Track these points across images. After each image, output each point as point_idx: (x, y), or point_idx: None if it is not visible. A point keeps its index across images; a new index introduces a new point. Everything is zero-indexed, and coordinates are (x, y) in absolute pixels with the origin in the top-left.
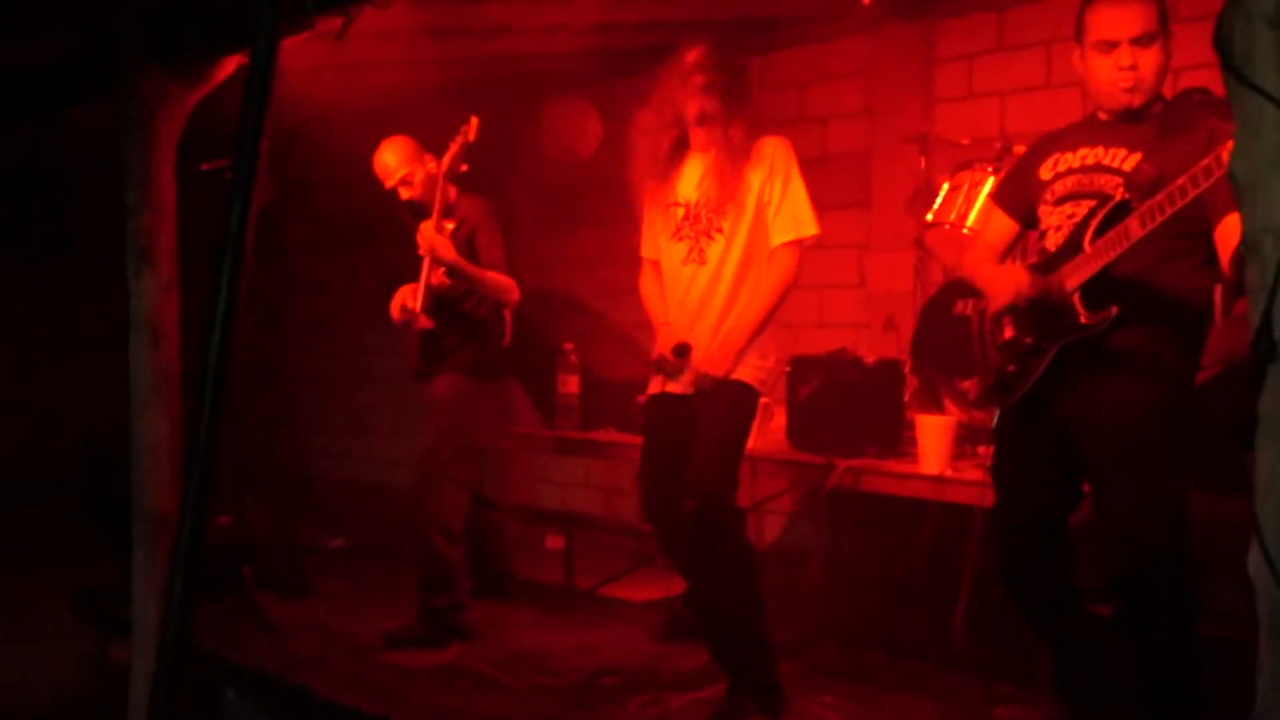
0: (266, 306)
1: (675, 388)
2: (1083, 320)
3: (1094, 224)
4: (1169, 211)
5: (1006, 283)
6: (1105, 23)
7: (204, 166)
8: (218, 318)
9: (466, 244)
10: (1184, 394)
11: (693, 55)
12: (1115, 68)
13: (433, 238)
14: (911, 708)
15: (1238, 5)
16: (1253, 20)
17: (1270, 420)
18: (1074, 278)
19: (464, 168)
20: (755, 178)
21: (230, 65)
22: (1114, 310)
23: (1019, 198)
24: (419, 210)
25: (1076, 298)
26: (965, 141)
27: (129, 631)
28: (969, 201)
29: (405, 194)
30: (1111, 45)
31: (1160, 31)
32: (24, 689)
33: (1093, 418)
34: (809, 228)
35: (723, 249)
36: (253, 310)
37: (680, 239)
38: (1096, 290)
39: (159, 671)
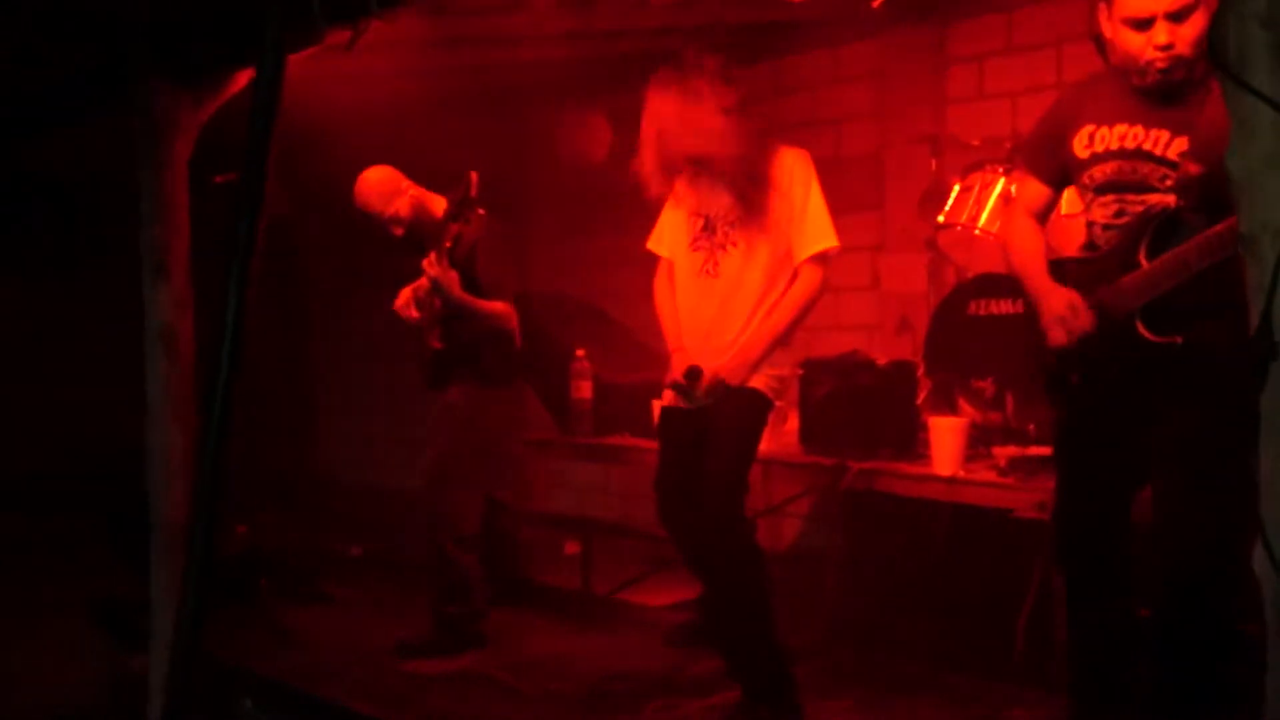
0: (282, 315)
1: (686, 404)
2: (1147, 342)
3: (1148, 237)
4: (1230, 248)
5: (1057, 313)
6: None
7: (217, 179)
8: (226, 328)
9: (465, 261)
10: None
11: (705, 84)
12: (1150, 45)
13: (439, 275)
14: (928, 711)
15: (1232, 7)
16: (1246, 22)
17: (1272, 419)
18: (1135, 299)
19: (469, 219)
20: (776, 193)
21: (242, 79)
22: (1179, 339)
23: (1052, 164)
24: (415, 243)
25: (1139, 320)
26: (976, 142)
27: (147, 642)
28: (980, 203)
29: (398, 232)
30: (1145, 22)
31: (1199, 1)
32: (44, 699)
33: (1155, 422)
34: (828, 240)
35: (739, 263)
36: (269, 320)
37: (697, 250)
38: (1158, 306)
39: (170, 681)
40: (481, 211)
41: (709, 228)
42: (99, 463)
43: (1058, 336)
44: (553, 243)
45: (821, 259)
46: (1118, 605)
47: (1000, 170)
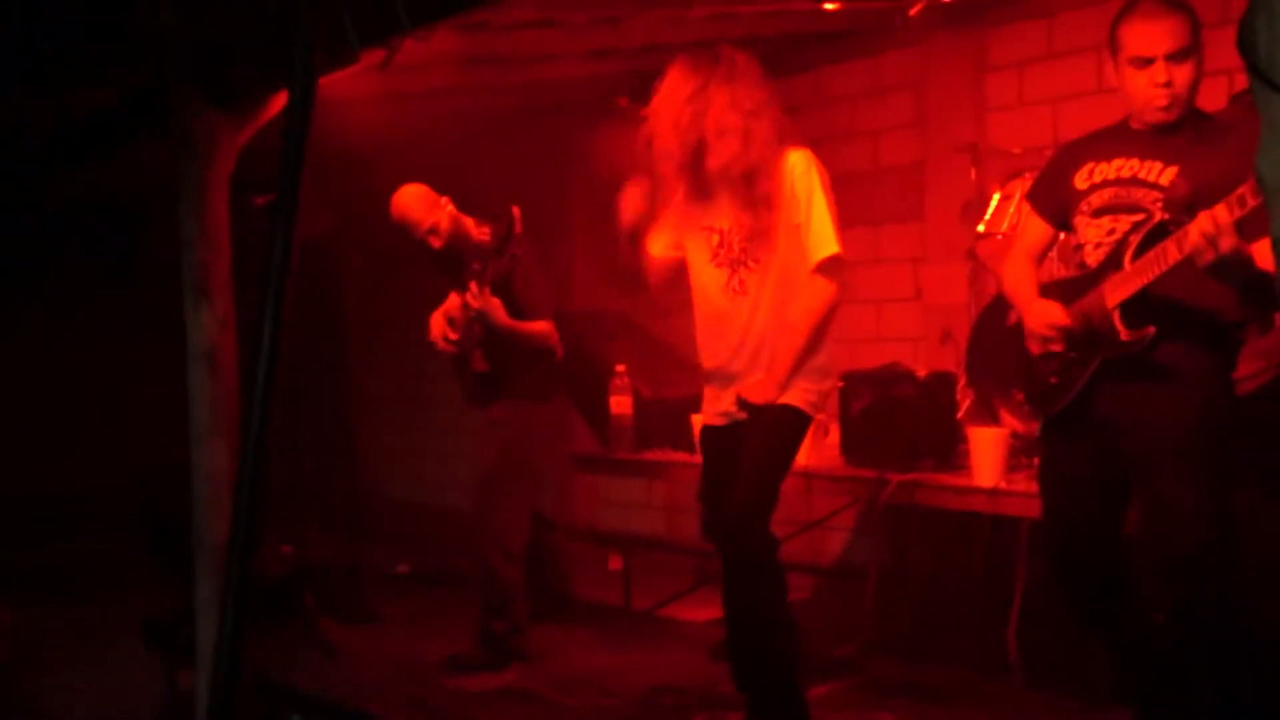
0: (323, 335)
1: (714, 420)
2: (1122, 338)
3: (1134, 243)
4: (1206, 236)
5: (1042, 320)
6: (1140, 39)
7: (258, 200)
8: (262, 347)
9: (503, 283)
10: (1223, 399)
11: (709, 95)
12: (1151, 84)
13: (483, 305)
14: None
15: (1262, 6)
16: (1277, 20)
17: None
18: (1114, 296)
19: (514, 256)
20: (782, 201)
21: (280, 100)
22: (1152, 330)
23: (1054, 203)
24: (452, 258)
25: (1116, 315)
26: (1016, 150)
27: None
28: (1020, 211)
29: (436, 244)
30: (1147, 61)
31: (1194, 45)
32: (100, 715)
33: (1133, 425)
34: (830, 247)
35: (762, 279)
36: (310, 339)
37: (719, 265)
38: (1135, 306)
39: (212, 698)
40: (519, 230)
41: (725, 244)
42: (150, 482)
43: (1034, 348)
44: (592, 259)
45: (828, 267)
46: (1128, 615)
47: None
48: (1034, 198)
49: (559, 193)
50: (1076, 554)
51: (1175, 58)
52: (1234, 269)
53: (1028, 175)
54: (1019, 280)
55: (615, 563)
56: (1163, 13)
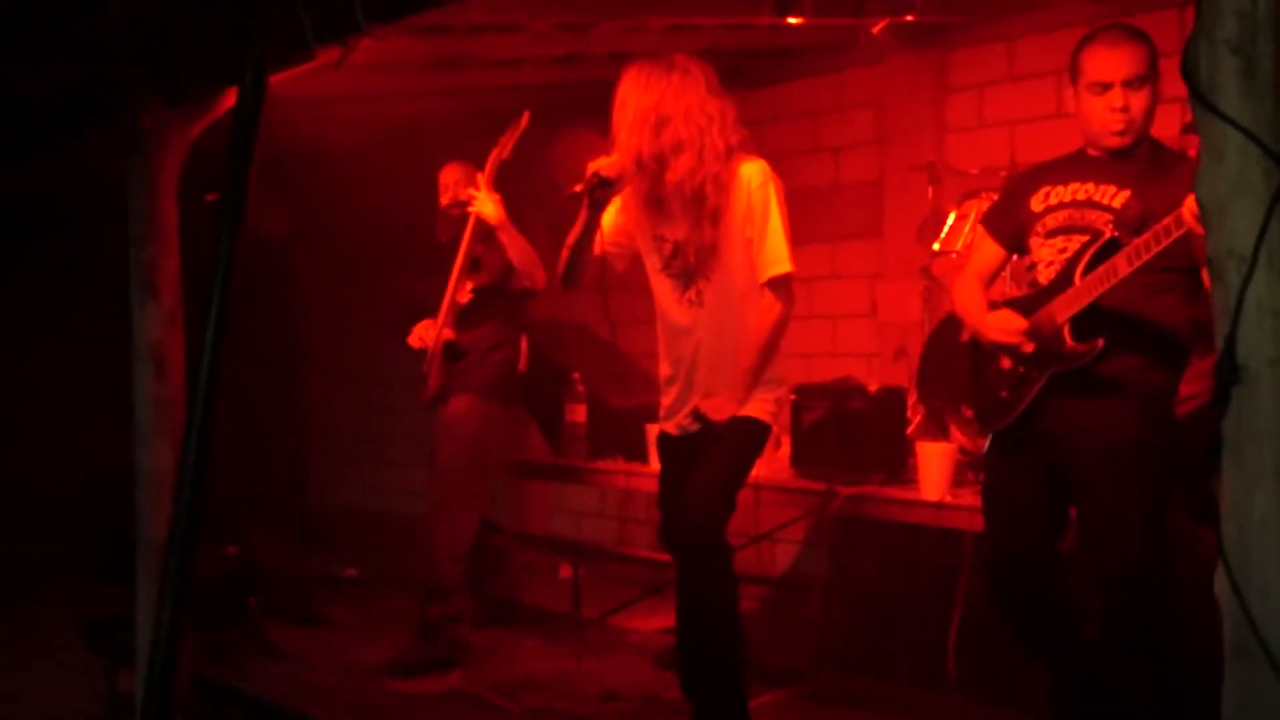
0: (277, 338)
1: (672, 429)
2: (1072, 351)
3: (1085, 260)
4: (1155, 250)
5: (1002, 328)
6: (1099, 65)
7: (209, 197)
8: (206, 345)
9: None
10: (1167, 419)
11: (659, 104)
12: (1108, 109)
13: (483, 196)
14: None
15: (1204, 31)
16: (1217, 47)
17: (1234, 443)
18: (1064, 311)
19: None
20: (735, 215)
21: (233, 96)
22: (1100, 343)
23: (1009, 226)
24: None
25: (1066, 330)
26: (974, 171)
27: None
28: (975, 231)
29: (456, 213)
30: (1105, 87)
31: (1150, 74)
32: (38, 718)
33: (1078, 440)
34: (782, 265)
35: (720, 290)
36: (263, 343)
37: (671, 275)
38: (1085, 322)
39: (146, 699)
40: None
41: (679, 255)
42: (91, 483)
43: (989, 337)
44: (549, 266)
45: (778, 285)
46: (1063, 629)
47: (995, 198)
48: (988, 221)
49: (519, 199)
50: (1014, 568)
51: (1132, 84)
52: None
53: (984, 195)
54: (969, 299)
55: (566, 571)
56: (1122, 40)
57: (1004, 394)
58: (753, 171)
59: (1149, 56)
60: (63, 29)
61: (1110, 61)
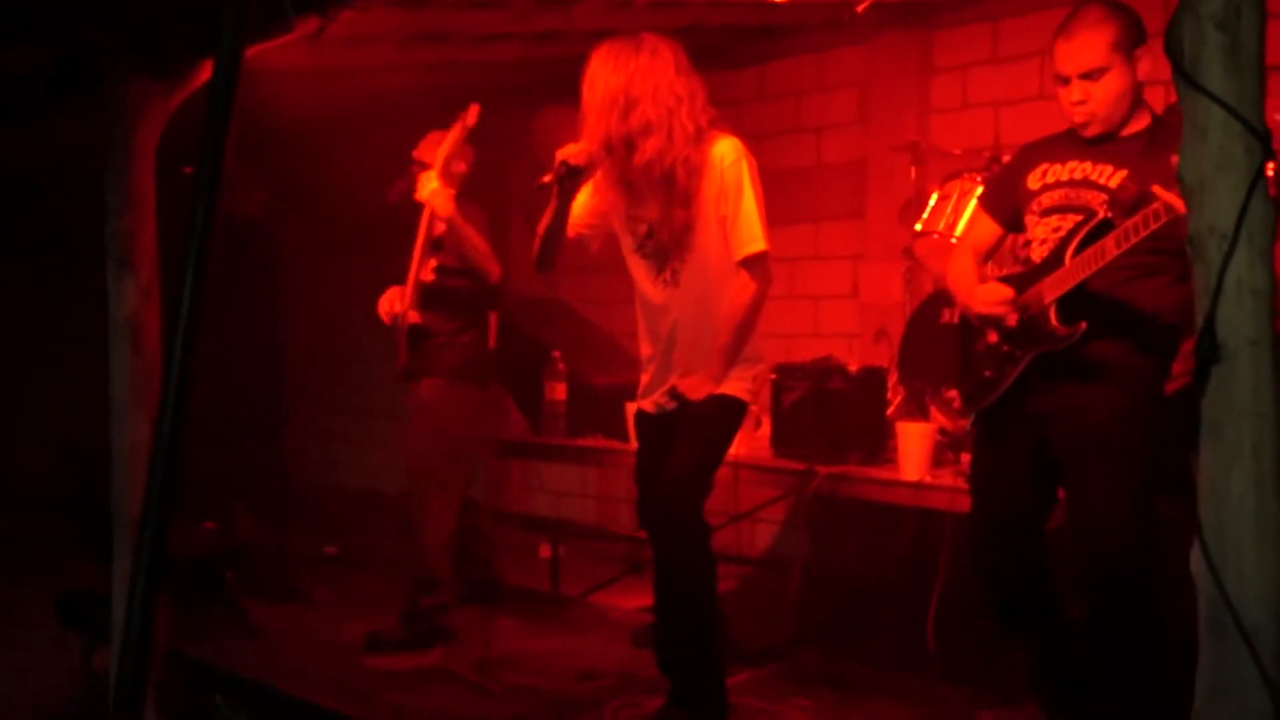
0: (259, 312)
1: (650, 407)
2: (1056, 332)
3: (1076, 240)
4: (1144, 233)
5: (988, 299)
6: (1058, 58)
7: (187, 170)
8: (181, 317)
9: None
10: (1153, 401)
11: (621, 84)
12: (1067, 102)
13: (434, 189)
14: (886, 713)
15: (1187, 8)
16: (1201, 23)
17: (1211, 422)
18: (1052, 291)
19: (461, 165)
20: (709, 194)
21: (210, 69)
22: (1083, 325)
23: (1005, 203)
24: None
25: (1053, 310)
26: (957, 151)
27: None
28: (958, 211)
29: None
30: (1063, 80)
31: (1114, 62)
32: (14, 697)
33: (1063, 420)
34: (756, 244)
35: (696, 271)
36: (241, 319)
37: (645, 256)
38: (1073, 303)
39: (120, 673)
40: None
41: (653, 235)
42: (67, 457)
43: (977, 310)
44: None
45: (753, 263)
46: (1046, 610)
47: (978, 179)
48: (986, 198)
49: (498, 177)
50: (997, 546)
51: (1090, 76)
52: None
53: (966, 176)
54: (962, 272)
55: (545, 549)
56: (1079, 32)
57: (988, 373)
58: (725, 150)
59: (1110, 43)
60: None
61: (1064, 55)
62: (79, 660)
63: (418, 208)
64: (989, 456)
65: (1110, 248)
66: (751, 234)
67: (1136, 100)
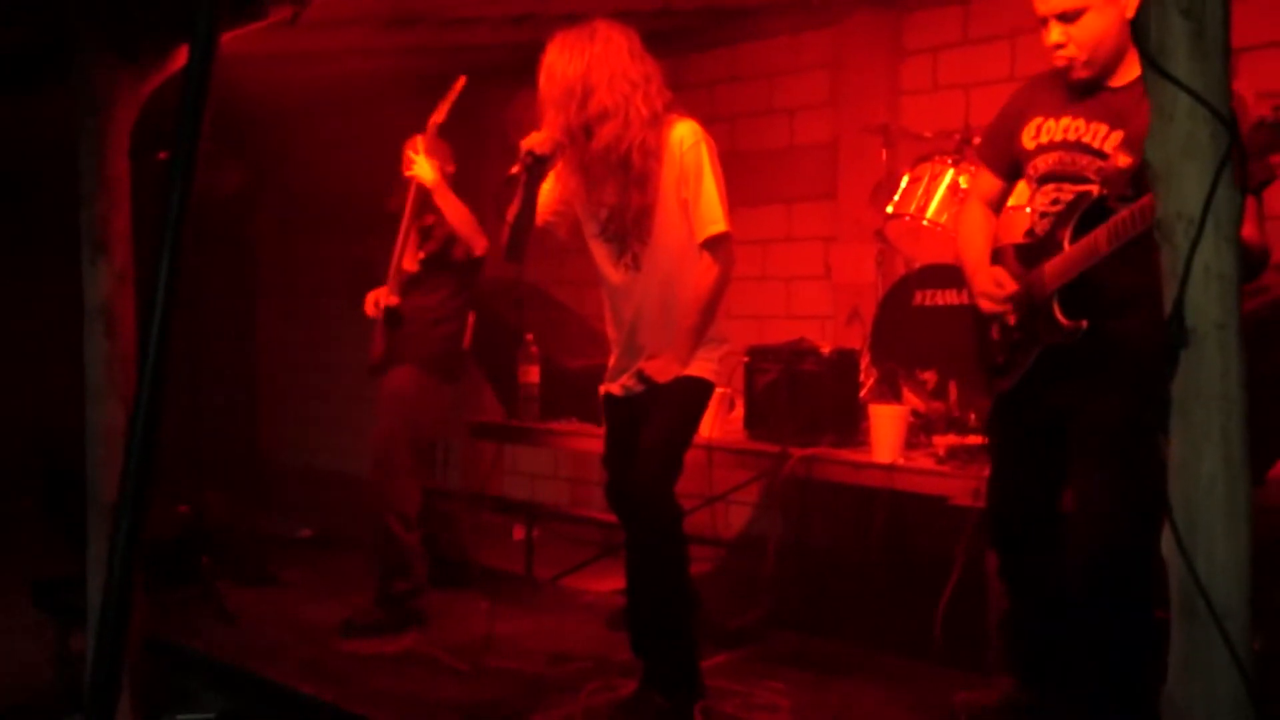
0: (235, 296)
1: (617, 390)
2: (1060, 326)
3: (1073, 221)
4: (1135, 230)
5: (985, 293)
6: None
7: (161, 155)
8: (156, 303)
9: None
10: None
11: (576, 69)
12: (1049, 45)
13: (420, 160)
14: (861, 693)
15: None
16: (1167, 10)
17: (1181, 404)
18: (1055, 280)
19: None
20: (668, 178)
21: (185, 53)
22: (1084, 324)
23: (1003, 156)
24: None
25: (1056, 303)
26: (927, 134)
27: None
28: (929, 193)
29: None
30: (1042, 21)
31: (1090, 3)
32: None
33: (1074, 411)
34: (717, 225)
35: (656, 255)
36: (216, 302)
37: (607, 240)
38: (1075, 292)
39: (96, 658)
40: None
41: (614, 219)
42: (41, 440)
43: (987, 306)
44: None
45: (714, 244)
46: (1052, 589)
47: (949, 161)
48: (983, 151)
49: (472, 159)
50: (1017, 526)
51: (1066, 17)
52: None
53: (937, 159)
54: (973, 233)
55: (519, 532)
56: None
57: (1000, 359)
58: (684, 133)
59: None
60: None
61: None
62: (54, 644)
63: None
64: (1004, 439)
65: (1103, 244)
66: (712, 215)
67: (1127, 44)
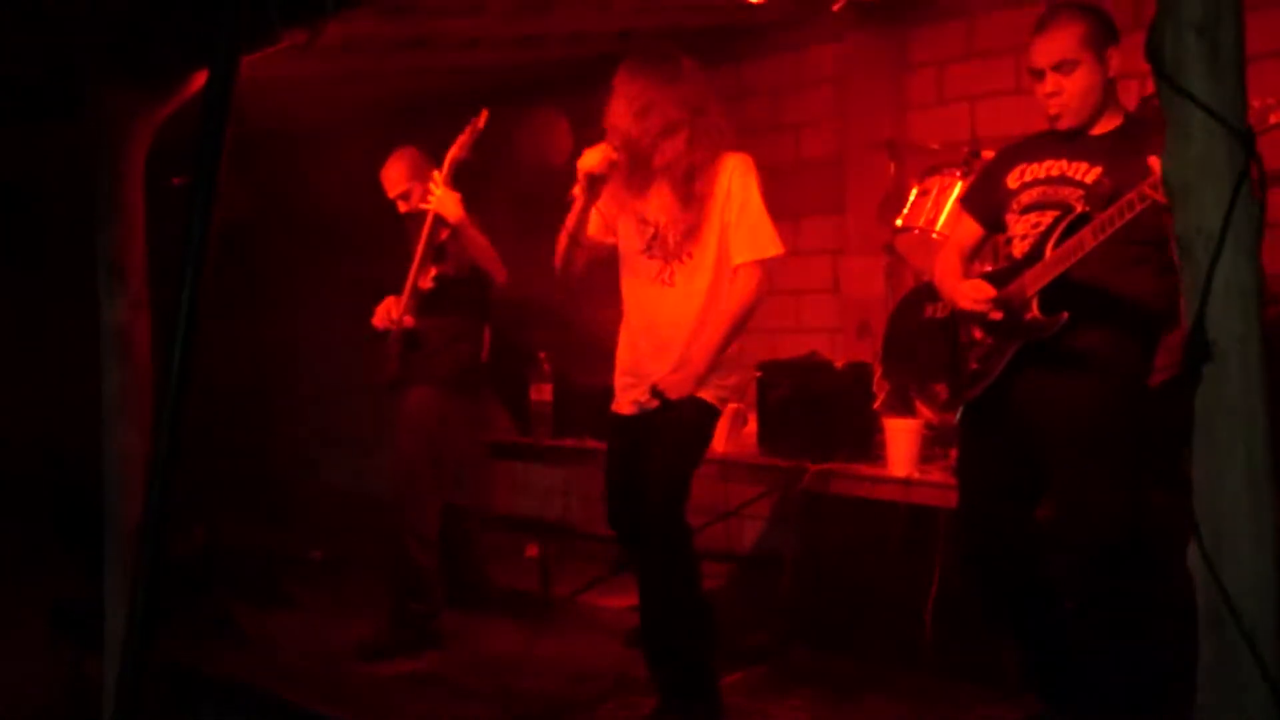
0: (244, 318)
1: (626, 409)
2: (1039, 322)
3: (1056, 234)
4: (1119, 224)
5: (971, 295)
6: (1033, 53)
7: (175, 181)
8: (178, 332)
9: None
10: (1137, 392)
11: (636, 89)
12: (1042, 94)
13: (442, 195)
14: (881, 710)
15: (1169, 13)
16: (1182, 28)
17: (1205, 419)
18: (1034, 284)
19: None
20: (716, 200)
21: (200, 79)
22: (1065, 315)
23: (986, 204)
24: (415, 221)
25: (1035, 302)
26: (935, 146)
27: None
28: (937, 206)
29: (403, 208)
30: (1038, 74)
31: (1085, 57)
32: (3, 702)
33: (1048, 412)
34: (770, 248)
35: (691, 274)
36: (228, 322)
37: (652, 257)
38: (1055, 295)
39: (120, 684)
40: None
41: (660, 237)
42: (54, 463)
43: (967, 305)
44: (515, 245)
45: (759, 264)
46: (1038, 602)
47: (958, 174)
48: (967, 200)
49: (483, 180)
50: (983, 537)
51: (1061, 68)
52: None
53: (945, 171)
54: (947, 269)
55: (533, 550)
56: (1050, 27)
57: (975, 365)
58: (736, 162)
59: (1081, 38)
60: (29, 8)
61: (1038, 49)
62: (67, 666)
63: (417, 216)
64: (974, 447)
65: (1088, 239)
66: (765, 238)
67: (1109, 99)
